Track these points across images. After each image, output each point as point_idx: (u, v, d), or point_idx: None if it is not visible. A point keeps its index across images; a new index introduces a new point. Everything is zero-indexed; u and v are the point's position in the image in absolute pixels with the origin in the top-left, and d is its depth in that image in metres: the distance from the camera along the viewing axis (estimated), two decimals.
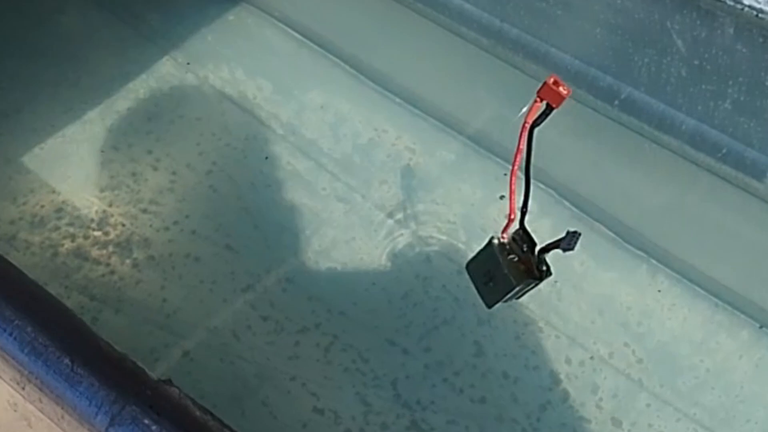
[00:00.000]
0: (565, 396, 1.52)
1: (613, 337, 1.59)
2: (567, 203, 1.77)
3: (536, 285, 1.09)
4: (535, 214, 1.74)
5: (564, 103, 0.97)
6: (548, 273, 1.08)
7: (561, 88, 0.97)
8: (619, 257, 1.69)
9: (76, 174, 1.79)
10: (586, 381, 1.54)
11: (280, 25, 2.08)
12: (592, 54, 1.65)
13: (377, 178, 1.82)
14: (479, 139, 1.88)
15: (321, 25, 2.06)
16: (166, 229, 1.72)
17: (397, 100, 1.94)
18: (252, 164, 1.83)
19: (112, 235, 1.71)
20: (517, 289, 1.09)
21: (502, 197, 1.77)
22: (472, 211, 1.78)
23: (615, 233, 1.72)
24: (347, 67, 2.01)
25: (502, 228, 1.10)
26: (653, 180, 1.73)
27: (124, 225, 1.72)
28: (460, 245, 1.71)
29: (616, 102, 1.66)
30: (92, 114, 1.88)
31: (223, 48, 2.03)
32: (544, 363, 1.55)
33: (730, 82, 1.49)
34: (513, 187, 1.05)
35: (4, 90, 1.90)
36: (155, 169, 1.81)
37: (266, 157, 1.84)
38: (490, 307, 1.13)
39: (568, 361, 1.56)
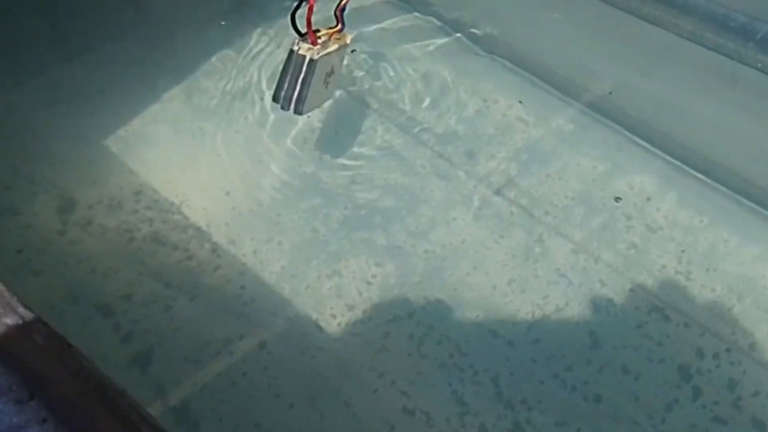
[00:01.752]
0: (696, 394, 1.26)
1: (755, 326, 1.32)
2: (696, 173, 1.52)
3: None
4: (657, 188, 1.50)
5: None
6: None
7: None
8: (763, 230, 1.42)
9: (158, 155, 1.67)
10: (722, 376, 1.28)
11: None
12: None
13: (484, 153, 1.62)
14: (600, 107, 1.64)
15: None
16: (250, 211, 1.57)
17: (508, 65, 1.74)
18: (344, 141, 1.66)
19: (192, 219, 1.57)
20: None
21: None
22: (593, 187, 1.55)
23: (756, 202, 1.45)
24: (450, 30, 1.82)
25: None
26: None
27: (205, 208, 1.58)
28: (577, 224, 1.48)
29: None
30: (176, 92, 1.76)
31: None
32: (671, 356, 1.29)
33: None
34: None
35: (90, 71, 1.81)
36: (242, 147, 1.67)
37: (360, 133, 1.66)
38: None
39: (700, 354, 1.30)
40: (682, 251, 1.43)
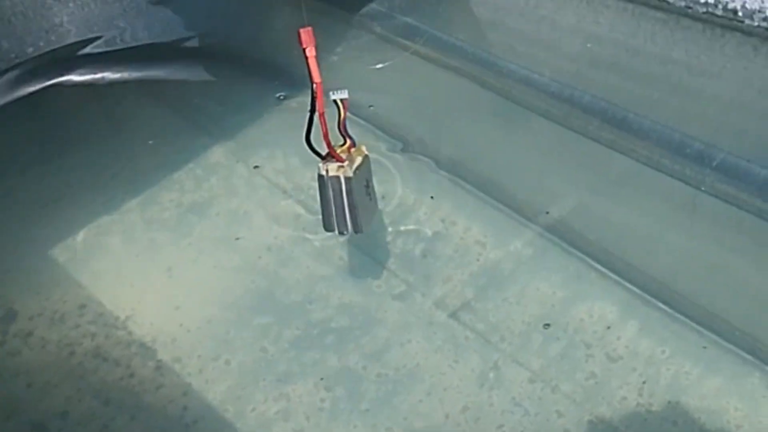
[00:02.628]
0: None
1: None
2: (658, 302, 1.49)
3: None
4: (618, 317, 1.47)
5: None
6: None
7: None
8: (725, 362, 1.39)
9: (107, 268, 1.62)
10: None
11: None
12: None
13: (441, 275, 1.59)
14: (559, 231, 1.63)
15: (384, 110, 1.88)
16: (198, 328, 1.52)
17: (468, 187, 1.72)
18: (300, 259, 1.62)
19: (136, 335, 1.51)
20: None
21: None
22: (552, 313, 1.52)
23: (717, 334, 1.42)
24: (413, 153, 1.81)
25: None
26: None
27: (152, 323, 1.53)
28: (535, 351, 1.44)
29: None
30: (131, 204, 1.73)
31: (280, 136, 1.86)
32: None
33: None
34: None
35: (45, 178, 1.78)
36: (194, 262, 1.62)
37: (317, 253, 1.63)
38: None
39: None
40: (644, 382, 1.39)
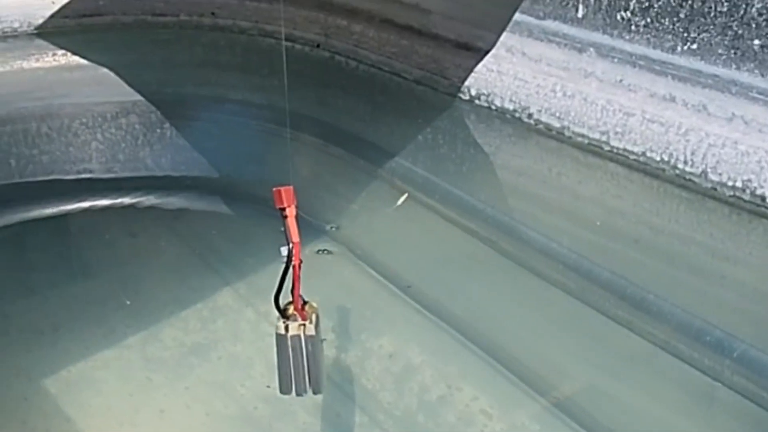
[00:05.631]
0: None
1: None
2: None
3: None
4: None
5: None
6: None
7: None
8: None
9: (98, 404, 1.56)
10: None
11: (360, 263, 1.89)
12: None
13: None
14: (567, 408, 1.56)
15: (403, 266, 1.85)
16: None
17: (478, 352, 1.67)
18: (297, 414, 1.56)
19: None
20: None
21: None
22: None
23: None
24: (427, 314, 1.77)
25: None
26: None
27: None
28: None
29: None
30: (132, 340, 1.69)
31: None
32: None
33: None
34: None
35: (46, 305, 1.75)
36: (188, 407, 1.56)
37: (315, 408, 1.57)
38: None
39: None
40: None
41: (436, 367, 1.66)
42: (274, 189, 1.27)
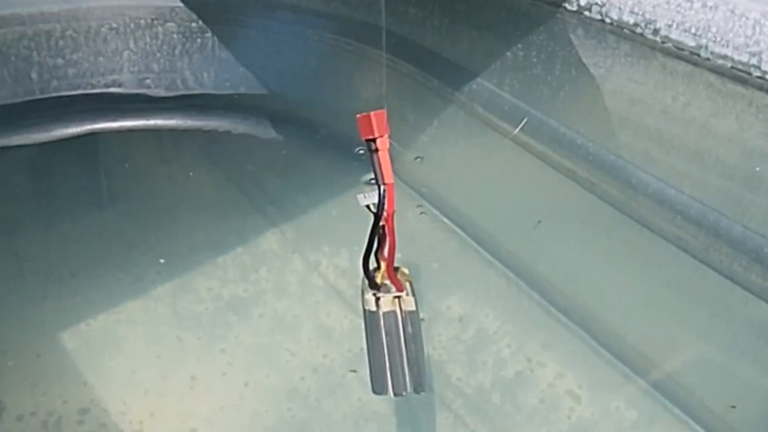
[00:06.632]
0: None
1: None
2: None
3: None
4: None
5: None
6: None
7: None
8: None
9: (121, 366, 1.34)
10: None
11: (433, 209, 1.63)
12: None
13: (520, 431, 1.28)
14: (671, 391, 1.31)
15: (479, 211, 1.59)
16: None
17: (564, 320, 1.42)
18: (350, 389, 1.32)
19: None
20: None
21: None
22: None
23: None
24: (507, 271, 1.52)
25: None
26: None
27: None
28: None
29: None
30: (162, 290, 1.46)
31: (349, 229, 1.58)
32: None
33: None
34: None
35: (65, 244, 1.52)
36: (223, 375, 1.34)
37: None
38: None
39: None
40: None
41: (514, 337, 1.41)
42: (360, 115, 0.97)
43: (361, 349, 1.33)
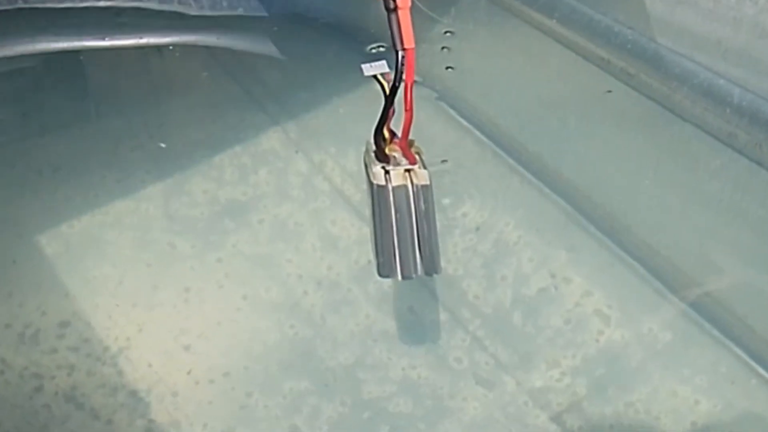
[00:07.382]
0: None
1: None
2: None
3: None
4: None
5: None
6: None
7: None
8: None
9: (106, 274, 1.23)
10: None
11: (449, 109, 1.49)
12: None
13: (544, 356, 1.17)
14: (710, 312, 1.20)
15: (499, 106, 1.45)
16: (211, 381, 1.13)
17: (592, 229, 1.30)
18: (358, 304, 1.21)
19: (127, 377, 1.12)
20: None
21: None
22: (694, 429, 1.10)
23: None
24: (529, 175, 1.39)
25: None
26: None
27: (150, 365, 1.14)
28: None
29: None
30: (152, 190, 1.33)
31: (357, 127, 1.44)
32: None
33: None
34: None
35: (50, 144, 1.39)
36: (220, 287, 1.23)
37: (381, 297, 1.22)
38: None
39: None
40: None
41: (537, 249, 1.29)
42: None
43: (369, 262, 1.22)
